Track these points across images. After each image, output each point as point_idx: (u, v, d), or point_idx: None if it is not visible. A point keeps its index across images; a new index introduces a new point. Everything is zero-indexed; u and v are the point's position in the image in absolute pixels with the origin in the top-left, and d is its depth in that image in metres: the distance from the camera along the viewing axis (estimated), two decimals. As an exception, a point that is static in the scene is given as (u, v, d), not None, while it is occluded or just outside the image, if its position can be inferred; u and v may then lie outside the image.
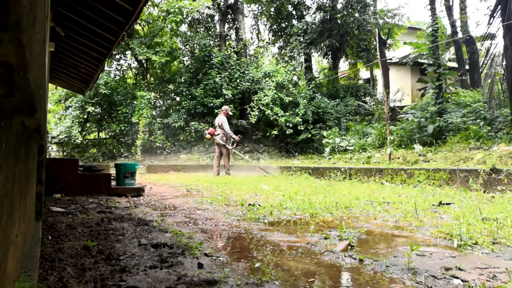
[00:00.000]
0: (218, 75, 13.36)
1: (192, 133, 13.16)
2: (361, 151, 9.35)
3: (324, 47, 16.17)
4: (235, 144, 9.17)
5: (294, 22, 16.80)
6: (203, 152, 13.17)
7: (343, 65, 21.04)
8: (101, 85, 13.39)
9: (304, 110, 12.48)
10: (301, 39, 15.24)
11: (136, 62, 15.46)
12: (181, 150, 13.45)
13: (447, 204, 3.61)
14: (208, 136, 9.19)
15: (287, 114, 12.64)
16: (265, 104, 12.63)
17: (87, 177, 4.55)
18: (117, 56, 15.56)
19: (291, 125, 12.36)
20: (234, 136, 9.04)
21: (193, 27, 16.49)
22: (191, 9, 13.10)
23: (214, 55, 14.03)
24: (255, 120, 12.58)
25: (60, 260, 1.72)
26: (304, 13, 16.49)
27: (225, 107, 9.41)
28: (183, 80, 15.24)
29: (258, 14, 18.31)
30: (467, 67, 14.97)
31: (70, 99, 14.08)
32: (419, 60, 17.11)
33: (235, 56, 14.33)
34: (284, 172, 8.81)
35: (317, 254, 2.00)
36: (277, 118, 12.50)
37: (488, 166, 4.76)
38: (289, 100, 12.83)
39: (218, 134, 8.92)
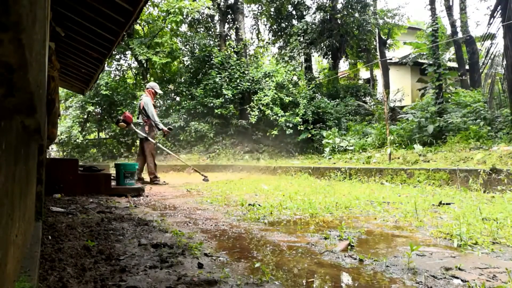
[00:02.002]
0: (218, 75, 13.36)
1: (192, 133, 13.16)
2: (361, 151, 9.35)
3: (324, 47, 16.16)
4: (163, 135, 6.71)
5: (294, 22, 16.80)
6: (203, 152, 13.17)
7: (343, 65, 21.05)
8: (102, 86, 13.40)
9: (304, 110, 12.48)
10: (301, 39, 15.24)
11: (136, 62, 15.47)
12: (181, 150, 13.45)
13: (447, 204, 3.61)
14: (122, 124, 6.36)
15: (287, 114, 12.64)
16: (265, 104, 12.63)
17: (87, 177, 4.55)
18: (117, 56, 15.56)
19: (291, 125, 12.36)
20: (161, 126, 6.62)
21: (193, 27, 16.49)
22: (191, 9, 13.10)
23: (214, 55, 14.04)
24: (255, 120, 12.59)
25: (60, 260, 1.72)
26: (304, 13, 16.49)
27: (150, 84, 6.91)
28: (183, 80, 15.25)
29: (258, 14, 18.31)
30: (467, 67, 14.98)
31: (70, 99, 14.09)
32: (419, 60, 17.11)
33: (235, 56, 14.33)
34: (283, 172, 8.80)
35: (317, 254, 2.00)
36: (277, 118, 12.50)
37: (488, 166, 4.76)
38: (289, 100, 12.83)
39: (140, 124, 6.56)
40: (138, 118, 6.67)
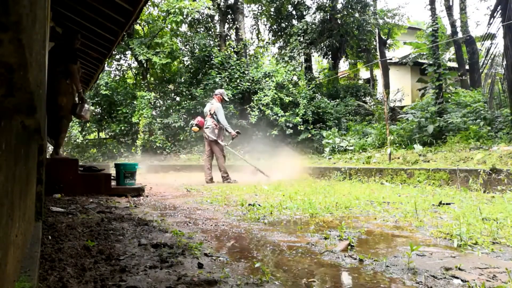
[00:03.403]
0: (218, 75, 13.36)
1: (192, 133, 13.16)
2: (361, 151, 9.35)
3: (324, 47, 16.17)
4: (231, 141, 7.21)
5: (294, 22, 16.81)
6: (203, 152, 13.15)
7: (343, 65, 21.05)
8: (102, 86, 13.41)
9: (304, 110, 12.48)
10: (301, 39, 15.25)
11: (136, 62, 15.47)
12: (181, 150, 13.45)
13: (447, 204, 3.61)
14: (195, 129, 6.97)
15: (287, 114, 12.64)
16: (265, 104, 12.63)
17: (87, 177, 4.55)
18: (117, 56, 15.56)
19: (291, 125, 12.36)
20: (230, 129, 6.98)
21: (193, 27, 16.50)
22: (191, 9, 13.10)
23: (214, 55, 14.04)
24: (255, 120, 12.59)
25: (60, 260, 1.72)
26: (304, 13, 16.49)
27: (219, 90, 7.30)
28: (183, 80, 15.25)
29: (258, 14, 18.31)
30: (467, 67, 14.98)
31: (70, 99, 14.07)
32: (419, 60, 17.12)
33: (235, 56, 14.33)
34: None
35: (317, 254, 2.00)
36: (277, 118, 12.50)
37: (488, 166, 4.76)
38: (289, 100, 12.83)
39: (208, 127, 6.89)
40: (206, 121, 6.99)
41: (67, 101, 4.52)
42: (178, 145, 13.58)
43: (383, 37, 17.50)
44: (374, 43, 15.41)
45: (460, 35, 13.87)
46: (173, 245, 2.10)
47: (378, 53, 11.54)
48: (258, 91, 13.13)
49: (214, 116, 6.88)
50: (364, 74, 21.28)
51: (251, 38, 18.01)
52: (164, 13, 13.80)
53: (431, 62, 9.35)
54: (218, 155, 6.91)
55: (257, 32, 18.98)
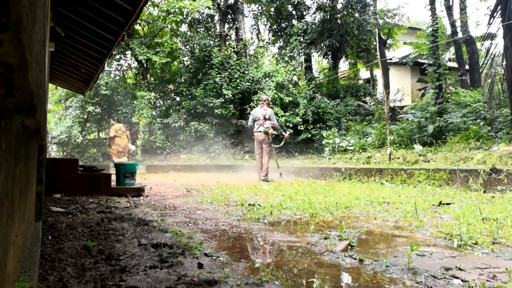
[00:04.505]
0: (218, 75, 13.37)
1: (192, 133, 13.15)
2: (361, 151, 9.35)
3: (324, 47, 16.17)
4: (283, 142, 7.84)
5: (294, 22, 16.81)
6: (203, 152, 13.17)
7: (343, 65, 21.05)
8: (102, 86, 13.41)
9: (304, 110, 12.48)
10: (301, 39, 15.25)
11: (136, 62, 15.47)
12: (181, 150, 13.45)
13: (447, 204, 3.61)
14: (271, 131, 7.38)
15: (287, 114, 12.64)
16: (265, 104, 12.63)
17: (87, 177, 4.55)
18: (117, 56, 15.57)
19: (291, 125, 12.36)
20: (283, 132, 7.98)
21: (193, 27, 16.50)
22: (191, 9, 13.10)
23: (214, 55, 14.04)
24: (255, 120, 12.57)
25: (60, 260, 1.72)
26: (304, 13, 16.49)
27: (266, 96, 7.90)
28: (183, 80, 15.25)
29: (258, 14, 18.31)
30: (467, 67, 14.98)
31: (70, 99, 14.10)
32: (419, 60, 17.12)
33: (235, 56, 14.33)
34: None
35: (317, 254, 2.00)
36: (277, 118, 12.50)
37: (488, 166, 4.76)
38: (289, 100, 12.84)
39: (266, 129, 7.40)
40: (253, 124, 7.52)
41: None
42: (178, 145, 13.59)
43: (383, 37, 17.50)
44: (374, 43, 15.42)
45: (460, 35, 13.87)
46: (173, 245, 2.10)
47: (378, 53, 11.54)
48: (258, 91, 13.14)
49: (269, 120, 7.43)
50: (364, 74, 21.28)
51: (251, 38, 18.02)
52: (164, 13, 13.79)
53: (431, 62, 9.35)
54: (267, 154, 7.39)
55: (257, 32, 18.99)
